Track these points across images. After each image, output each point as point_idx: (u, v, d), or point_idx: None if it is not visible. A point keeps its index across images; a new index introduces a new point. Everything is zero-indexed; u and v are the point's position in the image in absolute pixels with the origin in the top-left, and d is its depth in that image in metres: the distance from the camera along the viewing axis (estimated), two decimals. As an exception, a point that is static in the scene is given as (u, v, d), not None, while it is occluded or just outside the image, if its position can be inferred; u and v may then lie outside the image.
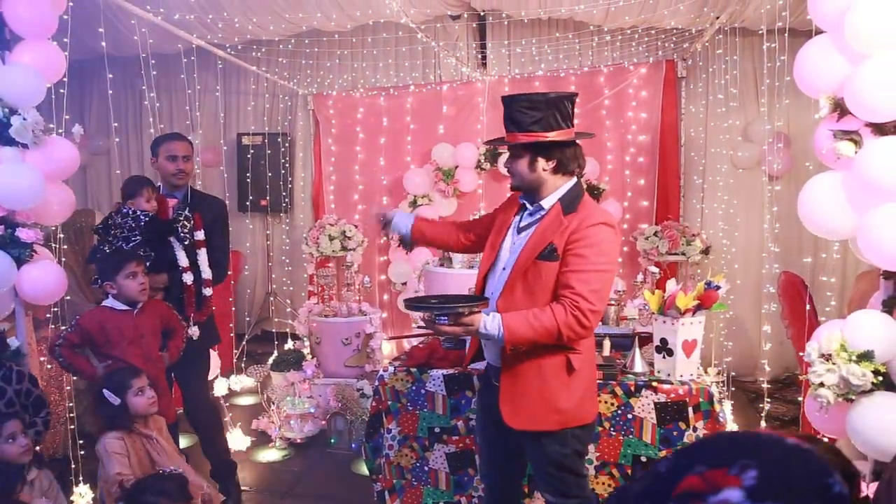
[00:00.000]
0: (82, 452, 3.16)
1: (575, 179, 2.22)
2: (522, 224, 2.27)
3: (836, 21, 2.26)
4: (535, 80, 5.83)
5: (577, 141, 2.23)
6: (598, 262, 2.02)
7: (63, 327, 2.98)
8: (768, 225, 4.90)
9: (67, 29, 3.12)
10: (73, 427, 3.22)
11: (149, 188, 3.15)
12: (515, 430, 2.21)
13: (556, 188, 2.19)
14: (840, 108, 2.28)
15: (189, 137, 3.44)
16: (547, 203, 2.19)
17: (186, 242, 3.22)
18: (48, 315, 3.21)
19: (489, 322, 2.03)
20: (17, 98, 2.79)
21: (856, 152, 2.20)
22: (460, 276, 3.68)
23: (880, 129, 2.20)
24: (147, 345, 2.90)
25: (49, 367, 3.59)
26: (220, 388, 5.20)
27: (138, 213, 3.07)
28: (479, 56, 6.10)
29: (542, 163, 2.16)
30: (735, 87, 5.20)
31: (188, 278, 3.21)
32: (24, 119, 2.77)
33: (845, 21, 2.17)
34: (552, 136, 2.13)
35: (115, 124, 6.50)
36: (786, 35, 3.42)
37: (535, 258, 2.13)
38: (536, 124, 2.12)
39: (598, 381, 2.72)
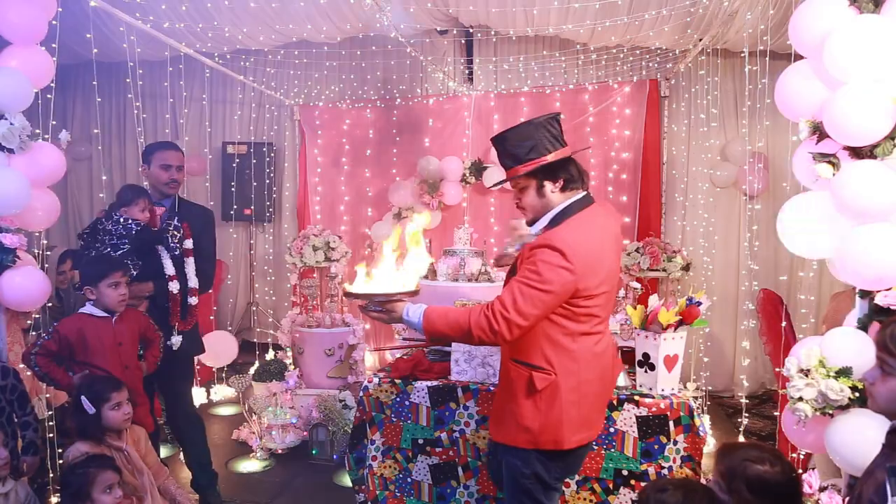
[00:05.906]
0: (61, 462, 3.11)
1: (580, 194, 2.22)
2: None
3: (815, 48, 2.34)
4: (521, 96, 5.91)
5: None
6: (528, 279, 2.04)
7: (42, 334, 2.94)
8: (747, 243, 5.00)
9: (56, 34, 3.11)
10: (50, 436, 3.16)
11: (145, 199, 3.15)
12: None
13: (558, 205, 2.20)
14: (819, 132, 2.36)
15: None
16: (539, 225, 2.23)
17: (176, 252, 3.22)
18: (29, 322, 3.17)
19: (412, 311, 2.11)
20: (4, 103, 2.78)
21: (833, 174, 2.27)
22: (445, 289, 3.69)
23: (857, 153, 2.28)
24: (125, 353, 2.86)
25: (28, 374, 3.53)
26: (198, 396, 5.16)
27: (129, 221, 3.06)
28: (466, 71, 6.17)
29: (549, 186, 2.19)
30: (716, 107, 5.31)
31: (174, 287, 3.19)
32: (11, 124, 2.76)
33: (824, 49, 2.25)
34: (551, 157, 2.17)
35: (96, 131, 6.45)
36: (767, 58, 3.52)
37: (508, 276, 2.25)
38: (533, 151, 2.16)
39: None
